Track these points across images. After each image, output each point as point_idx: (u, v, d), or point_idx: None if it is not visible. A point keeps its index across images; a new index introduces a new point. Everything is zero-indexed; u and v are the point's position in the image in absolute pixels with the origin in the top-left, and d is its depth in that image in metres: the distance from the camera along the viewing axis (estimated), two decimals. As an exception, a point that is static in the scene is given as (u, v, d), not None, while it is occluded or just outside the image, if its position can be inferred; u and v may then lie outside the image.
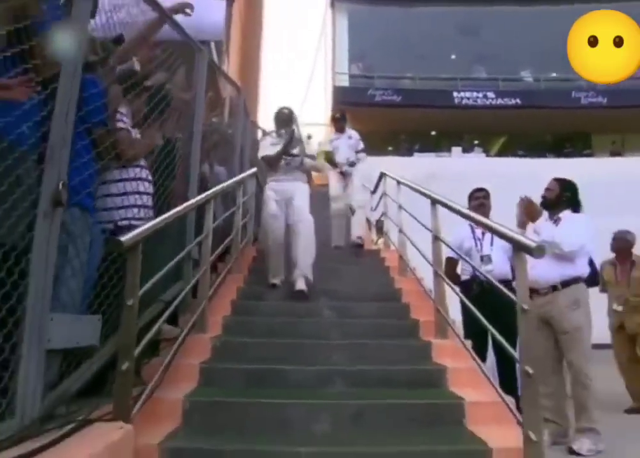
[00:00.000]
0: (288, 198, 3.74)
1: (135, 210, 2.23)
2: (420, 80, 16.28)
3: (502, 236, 2.10)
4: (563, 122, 15.54)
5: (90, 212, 1.91)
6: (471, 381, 2.32)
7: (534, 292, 3.03)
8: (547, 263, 2.90)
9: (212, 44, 8.96)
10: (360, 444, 1.90)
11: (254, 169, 4.63)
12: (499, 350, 2.91)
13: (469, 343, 2.54)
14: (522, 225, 3.23)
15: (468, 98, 15.61)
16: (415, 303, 3.30)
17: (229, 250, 3.87)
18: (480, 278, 3.26)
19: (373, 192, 5.75)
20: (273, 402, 2.10)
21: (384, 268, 4.25)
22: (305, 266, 3.47)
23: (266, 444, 1.86)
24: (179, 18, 2.80)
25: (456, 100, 15.61)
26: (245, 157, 5.25)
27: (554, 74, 16.41)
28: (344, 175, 5.19)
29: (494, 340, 2.06)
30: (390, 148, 15.78)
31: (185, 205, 2.52)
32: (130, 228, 2.00)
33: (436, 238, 2.93)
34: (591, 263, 3.31)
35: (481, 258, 3.49)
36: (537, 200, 3.27)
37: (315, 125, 15.17)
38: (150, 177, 2.40)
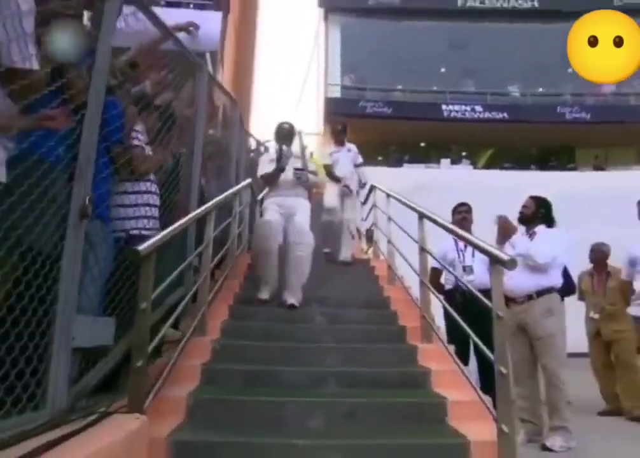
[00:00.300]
0: (290, 213, 3.75)
1: (145, 221, 2.38)
2: (410, 93, 16.61)
3: (480, 249, 2.26)
4: (548, 136, 15.90)
5: (105, 222, 2.07)
6: (453, 382, 2.48)
7: (511, 300, 3.23)
8: (523, 274, 3.11)
9: (207, 55, 9.23)
10: (352, 438, 2.06)
11: (248, 180, 4.77)
12: (480, 354, 3.09)
13: (452, 347, 2.68)
14: (501, 240, 3.39)
15: (457, 111, 15.89)
16: (402, 310, 3.41)
17: (225, 257, 4.02)
18: (462, 288, 3.40)
19: (364, 203, 5.85)
20: (270, 400, 2.22)
21: (374, 276, 4.34)
22: (297, 289, 3.46)
23: (264, 438, 2.00)
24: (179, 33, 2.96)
25: (445, 113, 15.89)
26: (240, 168, 5.38)
27: (540, 90, 16.84)
28: (345, 192, 5.08)
29: (476, 345, 2.24)
30: (380, 158, 15.93)
31: (190, 216, 2.65)
32: (142, 237, 2.14)
33: (423, 250, 3.06)
34: (565, 273, 3.52)
35: (464, 269, 3.68)
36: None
37: (307, 135, 15.29)
38: (158, 191, 2.56)
